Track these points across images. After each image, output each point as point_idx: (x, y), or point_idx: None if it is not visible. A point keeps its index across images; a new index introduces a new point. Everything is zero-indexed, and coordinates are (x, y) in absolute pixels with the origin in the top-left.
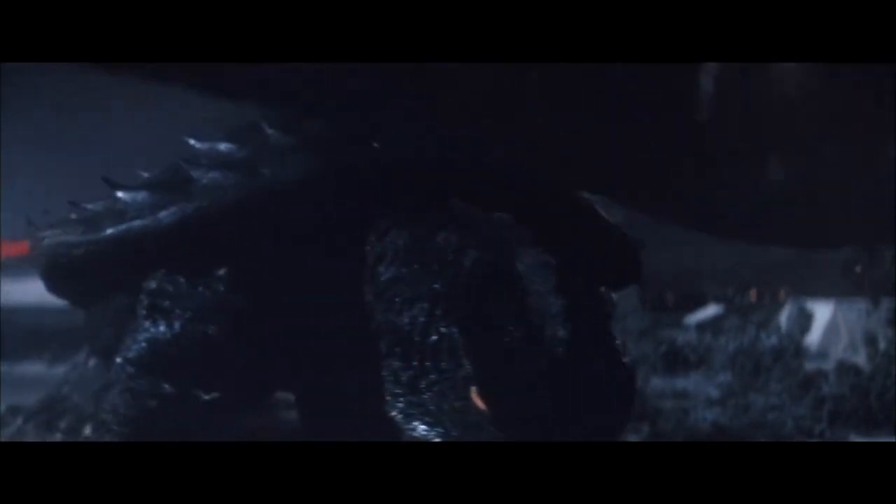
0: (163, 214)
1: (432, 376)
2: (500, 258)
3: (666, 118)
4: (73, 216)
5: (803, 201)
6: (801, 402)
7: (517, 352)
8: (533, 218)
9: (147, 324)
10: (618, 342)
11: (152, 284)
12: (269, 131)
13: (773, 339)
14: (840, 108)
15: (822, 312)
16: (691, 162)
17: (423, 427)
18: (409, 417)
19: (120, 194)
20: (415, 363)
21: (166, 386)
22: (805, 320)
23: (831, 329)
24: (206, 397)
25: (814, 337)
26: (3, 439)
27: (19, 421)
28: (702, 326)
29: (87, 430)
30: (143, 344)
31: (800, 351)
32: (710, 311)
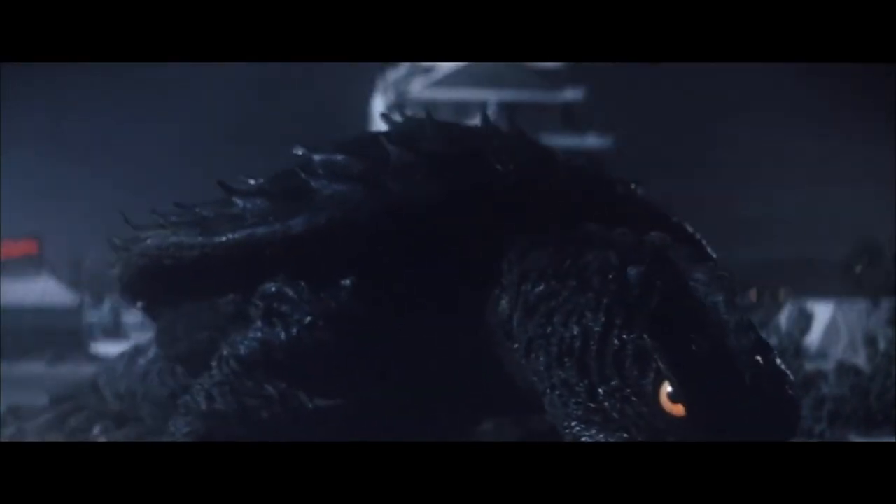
0: (294, 222)
1: (614, 383)
2: (666, 273)
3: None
4: (175, 218)
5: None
6: (801, 402)
7: (708, 358)
8: (686, 238)
9: (261, 324)
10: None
11: (272, 288)
12: (391, 147)
13: (773, 340)
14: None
15: (822, 312)
16: None
17: (603, 434)
18: (589, 425)
19: (237, 200)
20: (592, 371)
21: (269, 388)
22: (805, 320)
23: (831, 329)
24: (311, 405)
25: (814, 337)
26: (2, 439)
27: (34, 415)
28: None
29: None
30: (256, 344)
31: (800, 351)
32: None
